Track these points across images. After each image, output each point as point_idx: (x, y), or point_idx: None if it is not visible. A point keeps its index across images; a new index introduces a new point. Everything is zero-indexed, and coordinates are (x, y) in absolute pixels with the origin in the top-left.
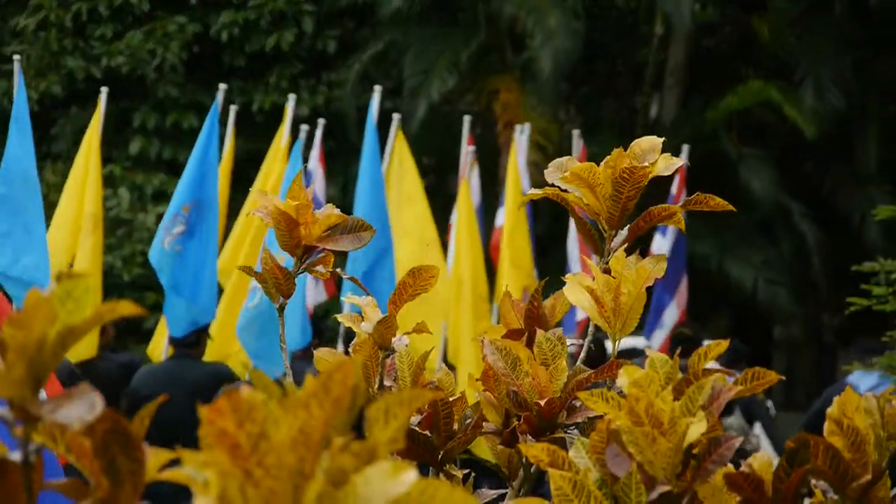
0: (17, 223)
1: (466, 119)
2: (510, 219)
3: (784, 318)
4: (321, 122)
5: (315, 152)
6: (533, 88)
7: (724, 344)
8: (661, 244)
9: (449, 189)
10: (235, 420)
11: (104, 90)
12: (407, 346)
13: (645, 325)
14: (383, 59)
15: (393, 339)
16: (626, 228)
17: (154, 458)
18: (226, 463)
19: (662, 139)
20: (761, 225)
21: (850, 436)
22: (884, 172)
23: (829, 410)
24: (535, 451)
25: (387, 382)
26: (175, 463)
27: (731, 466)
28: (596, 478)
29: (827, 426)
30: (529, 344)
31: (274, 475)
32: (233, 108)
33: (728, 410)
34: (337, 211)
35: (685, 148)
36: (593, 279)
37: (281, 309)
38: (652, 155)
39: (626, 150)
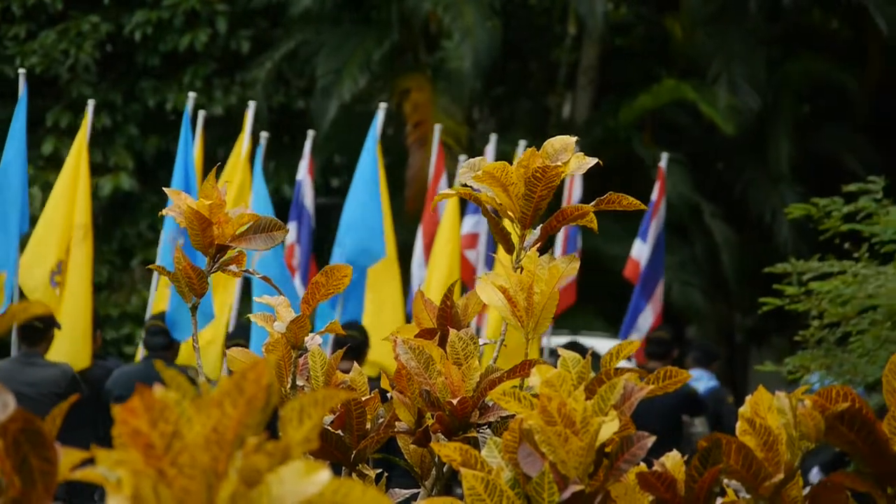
0: None
1: (437, 128)
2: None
3: (698, 319)
4: (311, 133)
5: (304, 163)
6: (445, 88)
7: (635, 343)
8: (641, 249)
9: None
10: (149, 419)
11: (91, 102)
12: (320, 345)
13: (620, 329)
14: (295, 58)
15: (306, 339)
16: (539, 228)
17: (67, 457)
18: (139, 462)
19: (575, 138)
20: (675, 226)
21: (762, 435)
22: (796, 172)
23: (742, 409)
24: (447, 450)
25: (299, 382)
26: (91, 462)
27: (643, 465)
28: (508, 477)
29: (739, 425)
30: (442, 343)
31: (187, 474)
32: (201, 114)
33: (696, 412)
34: (250, 210)
35: (664, 155)
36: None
37: (193, 309)
38: (564, 154)
39: (538, 149)
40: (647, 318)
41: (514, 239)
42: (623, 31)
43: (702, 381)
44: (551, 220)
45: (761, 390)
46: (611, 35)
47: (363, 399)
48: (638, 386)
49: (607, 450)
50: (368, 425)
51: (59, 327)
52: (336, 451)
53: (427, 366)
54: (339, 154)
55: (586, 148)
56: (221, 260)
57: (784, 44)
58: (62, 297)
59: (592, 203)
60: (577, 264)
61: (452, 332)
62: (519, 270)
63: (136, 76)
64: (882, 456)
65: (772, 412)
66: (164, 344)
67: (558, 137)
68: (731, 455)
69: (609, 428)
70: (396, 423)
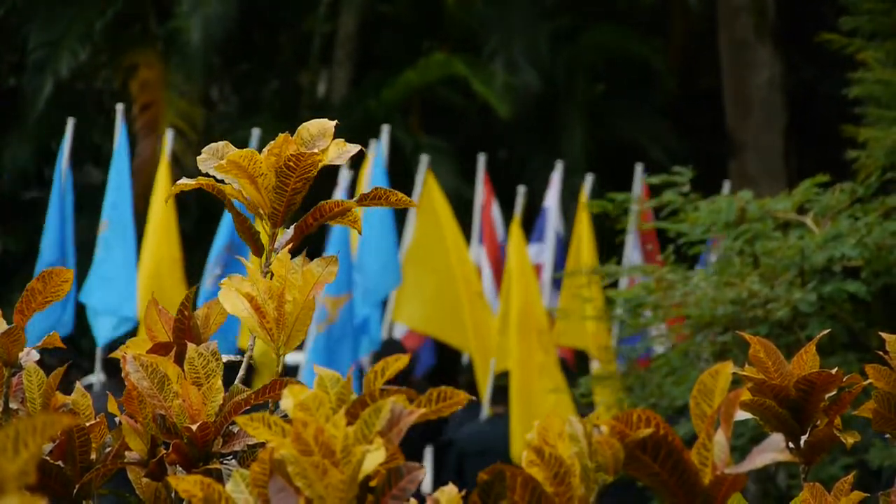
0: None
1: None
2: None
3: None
4: None
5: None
6: (179, 64)
7: (404, 359)
8: (540, 251)
9: (87, 180)
10: None
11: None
12: (36, 361)
13: None
14: (4, 27)
15: (20, 355)
16: (293, 227)
17: None
18: None
19: (335, 122)
20: None
21: (552, 466)
22: (593, 162)
23: (529, 437)
24: (186, 484)
25: (13, 405)
26: None
27: (414, 502)
28: None
29: (526, 455)
30: (179, 360)
31: None
32: None
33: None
34: None
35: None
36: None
37: None
38: (322, 141)
39: (291, 134)
40: None
41: (265, 239)
42: None
43: None
44: (307, 217)
45: (551, 415)
46: (373, 2)
47: (87, 425)
48: (407, 409)
49: (372, 483)
50: (94, 455)
51: None
52: (57, 484)
53: (162, 386)
54: (57, 141)
55: (344, 132)
56: None
57: (575, 12)
58: None
59: (356, 198)
60: (335, 268)
61: (191, 346)
62: (269, 275)
63: None
64: (691, 490)
65: (563, 440)
66: None
67: (315, 121)
68: (517, 489)
69: (374, 458)
70: (126, 452)
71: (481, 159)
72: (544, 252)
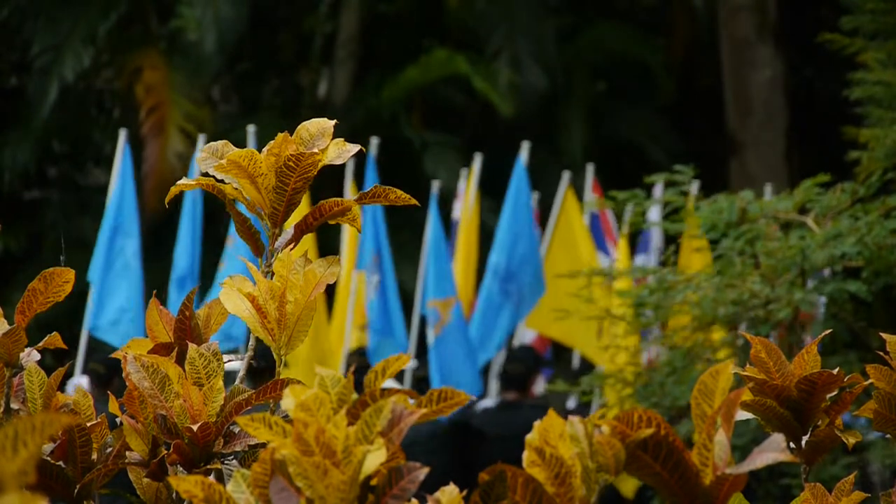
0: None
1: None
2: None
3: None
4: None
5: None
6: (182, 64)
7: (405, 359)
8: (646, 262)
9: (86, 180)
10: None
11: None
12: (38, 361)
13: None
14: (6, 30)
15: (21, 355)
16: (293, 226)
17: None
18: None
19: (334, 121)
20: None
21: (553, 467)
22: (594, 160)
23: (529, 437)
24: (187, 484)
25: (14, 405)
26: None
27: (415, 502)
28: None
29: (527, 455)
30: (180, 360)
31: None
32: None
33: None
34: None
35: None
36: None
37: None
38: (322, 140)
39: (291, 134)
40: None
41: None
42: None
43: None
44: (307, 216)
45: (552, 414)
46: (374, 0)
47: (88, 425)
48: (408, 409)
49: (373, 483)
50: (95, 455)
51: None
52: (57, 484)
53: (163, 386)
54: (58, 141)
55: (347, 132)
56: None
57: (577, 12)
58: None
59: (355, 197)
60: (337, 269)
61: (192, 347)
62: (270, 275)
63: None
64: (692, 490)
65: (564, 440)
66: None
67: (314, 120)
68: (518, 489)
69: (375, 458)
70: (127, 452)
71: (590, 168)
72: (650, 262)
